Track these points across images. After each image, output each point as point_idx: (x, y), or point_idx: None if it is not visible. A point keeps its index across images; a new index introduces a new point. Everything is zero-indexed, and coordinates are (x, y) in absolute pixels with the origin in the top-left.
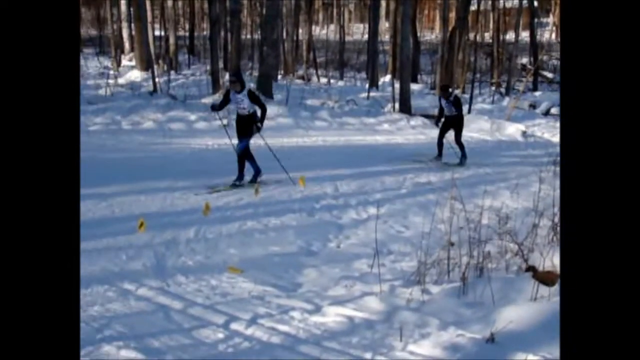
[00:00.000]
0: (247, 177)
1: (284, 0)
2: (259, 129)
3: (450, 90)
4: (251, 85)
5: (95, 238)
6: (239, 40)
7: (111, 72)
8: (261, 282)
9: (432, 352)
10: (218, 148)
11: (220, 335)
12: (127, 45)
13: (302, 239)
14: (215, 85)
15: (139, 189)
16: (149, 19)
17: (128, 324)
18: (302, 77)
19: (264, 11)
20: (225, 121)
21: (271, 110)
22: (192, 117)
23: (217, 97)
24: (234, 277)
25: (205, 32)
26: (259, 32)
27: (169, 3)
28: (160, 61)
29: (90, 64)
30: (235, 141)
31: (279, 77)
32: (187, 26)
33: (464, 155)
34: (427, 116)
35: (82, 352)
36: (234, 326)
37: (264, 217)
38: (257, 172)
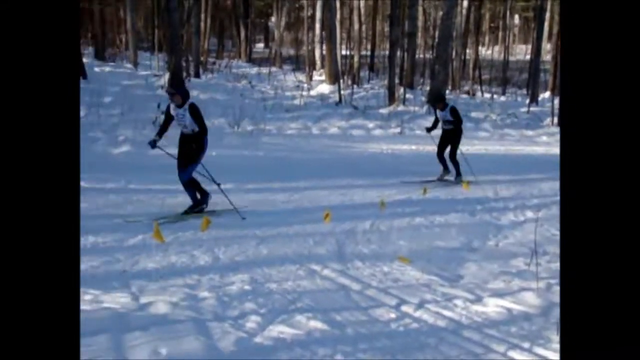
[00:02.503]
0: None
1: (455, 24)
2: (198, 152)
3: (445, 100)
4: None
5: (289, 225)
6: (413, 59)
7: (305, 85)
8: (427, 272)
9: None
10: (392, 153)
11: (392, 315)
12: (318, 62)
13: (463, 236)
14: (391, 97)
15: (324, 185)
16: (338, 40)
17: (315, 299)
18: (468, 92)
19: (437, 33)
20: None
21: None
22: (370, 125)
23: (392, 108)
24: (403, 266)
25: (383, 52)
26: (430, 52)
27: (355, 27)
28: (345, 76)
29: (289, 78)
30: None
31: (447, 91)
32: (369, 46)
33: (458, 174)
34: None
35: (278, 320)
36: (404, 308)
37: (430, 214)
38: (196, 204)
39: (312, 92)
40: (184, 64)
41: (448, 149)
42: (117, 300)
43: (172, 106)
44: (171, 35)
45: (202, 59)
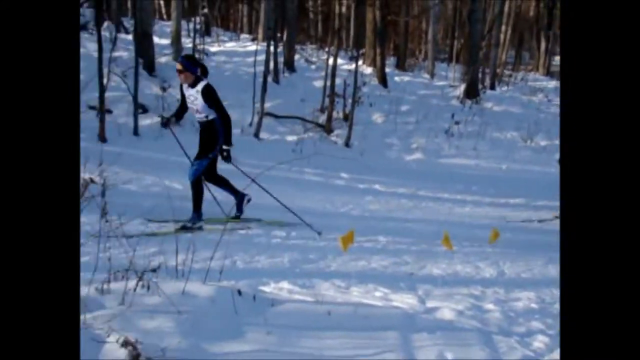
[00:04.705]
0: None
1: None
2: (225, 156)
3: None
4: None
5: None
6: None
7: None
8: None
9: None
10: None
11: None
12: None
13: None
14: None
15: None
16: None
17: None
18: None
19: None
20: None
21: None
22: None
23: None
24: None
25: None
26: None
27: None
28: None
29: None
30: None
31: None
32: None
33: None
34: None
35: None
36: None
37: None
38: (238, 200)
39: None
40: (480, 75)
41: None
42: (404, 300)
43: (185, 85)
44: (471, 47)
45: (497, 71)
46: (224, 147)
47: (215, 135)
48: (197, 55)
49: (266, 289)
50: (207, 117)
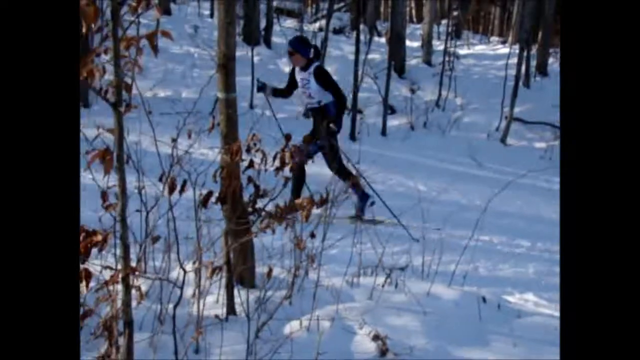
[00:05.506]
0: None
1: None
2: (331, 130)
3: None
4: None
5: None
6: None
7: None
8: None
9: None
10: None
11: None
12: None
13: None
14: None
15: None
16: None
17: None
18: None
19: None
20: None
21: None
22: None
23: None
24: None
25: None
26: None
27: None
28: None
29: None
30: None
31: None
32: None
33: None
34: None
35: None
36: None
37: None
38: (362, 200)
39: None
40: None
41: None
42: None
43: (297, 69)
44: None
45: None
46: (332, 124)
47: (338, 122)
48: (447, 58)
49: (510, 298)
50: (319, 102)
